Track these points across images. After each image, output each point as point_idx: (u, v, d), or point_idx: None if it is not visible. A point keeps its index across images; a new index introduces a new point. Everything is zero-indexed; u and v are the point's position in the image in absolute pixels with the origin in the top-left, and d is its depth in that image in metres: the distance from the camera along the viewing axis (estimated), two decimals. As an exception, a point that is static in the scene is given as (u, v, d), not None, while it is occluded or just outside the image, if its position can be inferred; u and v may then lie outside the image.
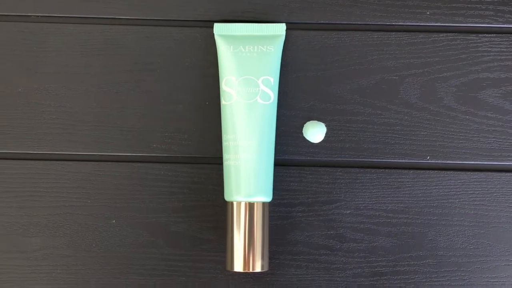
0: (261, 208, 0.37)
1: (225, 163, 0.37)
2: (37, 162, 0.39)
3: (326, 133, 0.40)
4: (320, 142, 0.39)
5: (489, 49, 0.40)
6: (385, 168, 0.39)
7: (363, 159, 0.39)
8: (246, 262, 0.36)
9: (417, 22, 0.40)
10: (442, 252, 0.39)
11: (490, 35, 0.40)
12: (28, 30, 0.40)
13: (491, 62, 0.40)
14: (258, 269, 0.36)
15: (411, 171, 0.39)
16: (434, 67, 0.40)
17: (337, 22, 0.40)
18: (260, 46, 0.38)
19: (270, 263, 0.38)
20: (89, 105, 0.40)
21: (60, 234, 0.39)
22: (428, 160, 0.39)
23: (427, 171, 0.39)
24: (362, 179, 0.39)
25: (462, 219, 0.39)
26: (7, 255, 0.39)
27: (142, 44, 0.40)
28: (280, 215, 0.39)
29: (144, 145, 0.39)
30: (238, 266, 0.36)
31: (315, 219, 0.39)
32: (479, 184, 0.39)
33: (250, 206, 0.37)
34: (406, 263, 0.39)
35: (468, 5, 0.40)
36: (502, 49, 0.40)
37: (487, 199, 0.39)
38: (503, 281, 0.39)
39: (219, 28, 0.39)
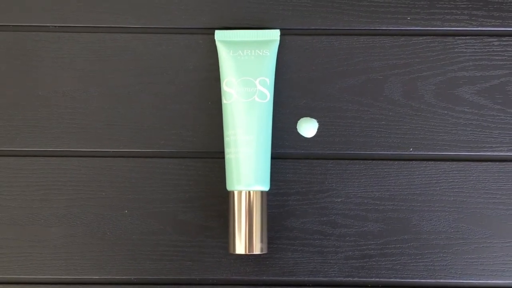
0: (260, 196, 0.38)
1: (226, 156, 0.38)
2: (56, 158, 0.40)
3: (318, 129, 0.40)
4: (312, 137, 0.40)
5: (465, 50, 0.40)
6: (372, 159, 0.40)
7: (352, 152, 0.40)
8: (247, 245, 0.37)
9: (399, 27, 0.40)
10: (425, 236, 0.39)
11: (465, 37, 0.40)
12: (47, 39, 0.40)
13: (466, 62, 0.40)
14: (258, 251, 0.37)
15: (396, 162, 0.40)
16: (415, 67, 0.40)
17: (326, 28, 0.40)
18: (257, 50, 0.39)
19: (269, 248, 0.39)
20: (102, 106, 0.40)
21: (77, 223, 0.39)
22: (411, 151, 0.40)
23: (411, 162, 0.40)
24: (352, 170, 0.40)
25: (443, 205, 0.40)
26: (30, 244, 0.40)
27: (150, 50, 0.40)
28: (277, 204, 0.40)
29: (153, 142, 0.40)
30: (240, 248, 0.37)
31: (309, 207, 0.40)
32: (458, 173, 0.40)
33: (250, 194, 0.37)
34: (392, 246, 0.39)
35: (445, 11, 0.40)
36: (477, 50, 0.40)
37: (465, 186, 0.40)
38: (481, 261, 0.39)
39: (219, 35, 0.40)
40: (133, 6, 0.41)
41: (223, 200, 0.40)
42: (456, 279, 0.40)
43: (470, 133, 0.40)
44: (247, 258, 0.40)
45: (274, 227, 0.40)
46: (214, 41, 0.40)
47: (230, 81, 0.39)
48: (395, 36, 0.40)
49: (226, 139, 0.38)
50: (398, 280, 0.40)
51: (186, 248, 0.40)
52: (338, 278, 0.40)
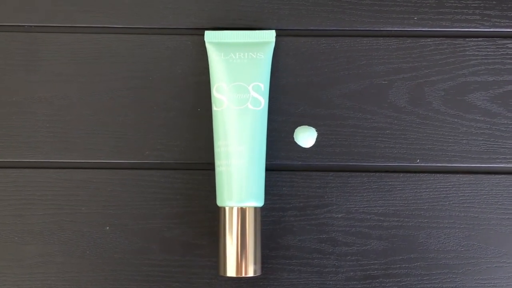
0: (253, 213, 0.37)
1: (217, 169, 0.37)
2: (31, 170, 0.39)
3: (317, 138, 0.40)
4: (311, 147, 0.39)
5: (476, 53, 0.40)
6: (375, 171, 0.39)
7: (353, 163, 0.39)
8: (238, 267, 0.36)
9: (405, 27, 0.40)
10: (433, 255, 0.39)
11: (477, 39, 0.40)
12: (21, 40, 0.40)
13: (478, 65, 0.40)
14: (251, 273, 0.36)
15: (402, 175, 0.39)
16: (422, 71, 0.40)
17: (326, 28, 0.40)
18: (250, 53, 0.38)
19: (263, 268, 0.38)
20: (82, 113, 0.40)
21: (55, 241, 0.39)
22: (418, 163, 0.39)
23: (417, 174, 0.39)
24: (353, 183, 0.39)
25: (452, 221, 0.39)
26: (3, 263, 0.39)
27: (134, 52, 0.40)
28: (272, 220, 0.39)
29: (137, 152, 0.39)
30: (231, 271, 0.36)
31: (307, 223, 0.39)
32: (468, 187, 0.39)
33: (242, 211, 0.37)
34: (397, 266, 0.39)
35: (455, 10, 0.40)
36: (489, 53, 0.40)
37: (476, 201, 0.39)
38: (494, 283, 0.39)
39: (210, 36, 0.39)
40: (116, 4, 0.40)
41: (213, 216, 0.39)
42: (466, 302, 0.39)
43: (482, 143, 0.40)
44: (240, 279, 0.39)
45: (269, 246, 0.39)
46: (204, 42, 0.40)
47: (221, 87, 0.38)
48: (400, 38, 0.40)
49: (216, 149, 0.38)
50: (404, 303, 0.39)
51: (173, 268, 0.39)
52: (339, 301, 0.39)
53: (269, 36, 0.39)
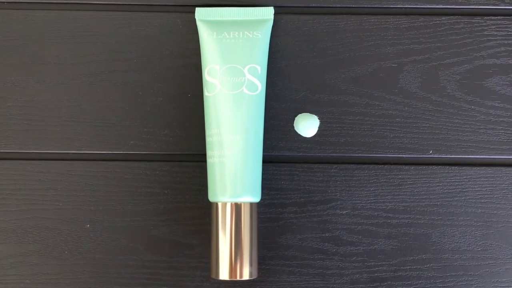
0: (249, 209, 0.36)
1: (209, 160, 0.37)
2: (3, 161, 0.39)
3: (320, 127, 0.39)
4: (313, 137, 0.39)
5: (496, 32, 0.39)
6: (384, 164, 0.39)
7: (360, 155, 0.39)
8: (232, 270, 0.35)
9: (417, 5, 0.40)
10: (447, 255, 0.38)
11: (496, 17, 0.39)
12: None
13: (497, 47, 0.39)
14: (246, 276, 0.36)
15: (413, 167, 0.39)
16: (436, 53, 0.39)
17: (330, 6, 0.40)
18: (246, 32, 0.37)
19: (260, 270, 0.38)
20: (60, 99, 0.39)
21: (29, 240, 0.38)
22: (430, 154, 0.39)
23: (430, 167, 0.39)
24: (359, 176, 0.39)
25: (468, 218, 0.39)
26: None
27: (117, 31, 0.39)
28: (270, 217, 0.39)
29: (120, 142, 0.39)
30: (224, 274, 0.36)
31: (308, 221, 0.39)
32: (486, 180, 0.39)
33: (237, 207, 0.36)
34: (408, 267, 0.38)
35: None
36: (510, 33, 0.39)
37: (495, 196, 0.39)
38: None
39: (201, 13, 0.38)
40: (97, -22, 0.40)
41: (204, 213, 0.39)
42: (484, 308, 0.39)
43: (501, 132, 0.39)
44: (234, 282, 0.39)
45: (266, 245, 0.39)
46: (194, 20, 0.39)
47: (213, 69, 0.37)
48: (412, 16, 0.40)
49: (208, 139, 0.37)
50: (415, 309, 0.39)
51: (160, 270, 0.39)
52: (343, 307, 0.39)
53: (267, 13, 0.39)
